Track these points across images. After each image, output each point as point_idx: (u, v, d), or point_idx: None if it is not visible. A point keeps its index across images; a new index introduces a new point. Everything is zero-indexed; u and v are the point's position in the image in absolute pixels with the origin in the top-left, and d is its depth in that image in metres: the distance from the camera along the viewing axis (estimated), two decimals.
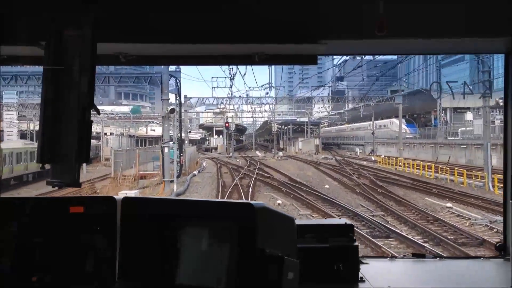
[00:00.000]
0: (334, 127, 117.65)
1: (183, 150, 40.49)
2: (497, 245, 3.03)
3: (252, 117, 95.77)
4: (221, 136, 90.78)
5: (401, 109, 59.06)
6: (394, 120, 79.93)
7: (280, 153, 63.85)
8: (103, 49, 2.25)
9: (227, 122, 69.30)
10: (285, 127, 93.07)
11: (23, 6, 2.19)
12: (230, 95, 61.40)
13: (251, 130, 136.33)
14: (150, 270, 1.93)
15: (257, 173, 38.31)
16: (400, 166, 43.20)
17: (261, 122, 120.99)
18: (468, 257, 4.64)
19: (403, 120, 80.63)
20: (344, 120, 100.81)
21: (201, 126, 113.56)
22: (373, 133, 67.75)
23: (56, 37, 1.90)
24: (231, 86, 55.60)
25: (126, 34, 2.30)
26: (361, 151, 73.70)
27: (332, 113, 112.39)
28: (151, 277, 1.93)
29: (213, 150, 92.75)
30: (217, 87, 58.18)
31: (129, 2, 2.29)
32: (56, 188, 2.02)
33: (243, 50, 2.51)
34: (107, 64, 2.89)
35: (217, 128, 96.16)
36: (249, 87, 55.95)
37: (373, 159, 52.43)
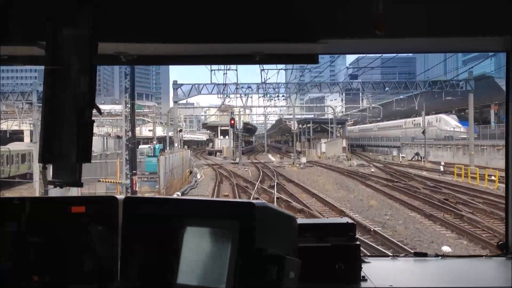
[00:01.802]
0: (357, 126, 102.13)
1: (158, 158, 24.81)
2: (499, 243, 2.99)
3: (264, 112, 79.90)
4: (227, 137, 75.93)
5: (472, 99, 42.84)
6: (444, 116, 63.91)
7: (303, 159, 47.83)
8: (104, 49, 2.27)
9: (232, 119, 53.52)
10: (303, 126, 77.07)
11: (22, 6, 2.20)
12: (236, 82, 45.63)
13: (261, 130, 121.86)
14: (151, 270, 1.94)
15: (277, 198, 22.67)
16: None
17: (271, 122, 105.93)
18: (470, 256, 4.09)
19: (455, 117, 64.77)
20: (378, 116, 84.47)
21: (205, 125, 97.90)
22: (423, 132, 51.61)
23: (56, 37, 1.91)
24: (236, 69, 40.20)
25: (127, 34, 2.32)
26: (403, 155, 57.50)
27: (355, 108, 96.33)
28: (152, 277, 1.94)
29: (217, 153, 77.57)
30: (218, 70, 41.75)
31: (129, 2, 2.30)
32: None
33: (244, 49, 2.52)
34: (108, 64, 2.82)
35: (222, 128, 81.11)
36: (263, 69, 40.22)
37: (441, 168, 36.49)
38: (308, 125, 74.69)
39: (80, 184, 1.91)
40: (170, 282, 1.84)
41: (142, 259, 1.95)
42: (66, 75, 1.86)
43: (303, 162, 46.61)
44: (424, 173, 38.06)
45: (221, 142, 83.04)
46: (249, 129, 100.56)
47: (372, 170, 40.74)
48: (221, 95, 45.70)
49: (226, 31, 2.33)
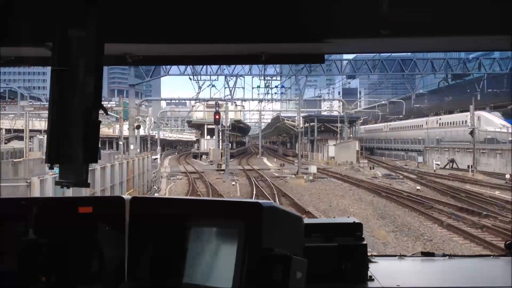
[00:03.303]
0: (363, 126, 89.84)
1: (31, 182, 11.76)
2: (506, 243, 2.97)
3: (259, 106, 66.84)
4: (215, 137, 63.20)
5: None
6: (484, 113, 51.25)
7: (313, 169, 34.70)
8: (111, 50, 2.31)
9: (217, 114, 40.49)
10: (305, 125, 64.17)
11: (29, 7, 2.20)
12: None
13: (255, 130, 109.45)
14: (158, 270, 1.97)
15: None
16: None
17: (267, 120, 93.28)
18: (477, 255, 3.91)
19: (498, 114, 52.17)
20: (400, 114, 71.66)
21: (190, 123, 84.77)
22: (471, 133, 38.86)
23: (63, 38, 1.93)
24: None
25: (133, 35, 2.36)
26: (438, 162, 44.71)
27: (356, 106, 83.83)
28: (159, 277, 1.96)
29: (203, 156, 64.91)
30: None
31: (135, 3, 2.31)
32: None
33: (250, 49, 2.55)
34: (115, 64, 2.89)
35: (209, 126, 68.20)
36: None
37: None
38: (311, 123, 61.77)
39: (87, 185, 1.90)
40: (177, 282, 1.87)
41: (149, 259, 1.98)
42: (73, 76, 1.87)
43: (313, 173, 33.65)
44: (498, 193, 25.46)
45: (207, 143, 70.19)
46: (241, 128, 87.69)
47: (418, 187, 27.86)
48: (198, 77, 32.55)
49: (231, 31, 2.37)
